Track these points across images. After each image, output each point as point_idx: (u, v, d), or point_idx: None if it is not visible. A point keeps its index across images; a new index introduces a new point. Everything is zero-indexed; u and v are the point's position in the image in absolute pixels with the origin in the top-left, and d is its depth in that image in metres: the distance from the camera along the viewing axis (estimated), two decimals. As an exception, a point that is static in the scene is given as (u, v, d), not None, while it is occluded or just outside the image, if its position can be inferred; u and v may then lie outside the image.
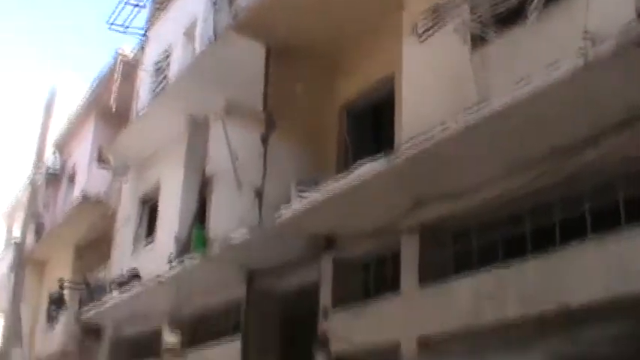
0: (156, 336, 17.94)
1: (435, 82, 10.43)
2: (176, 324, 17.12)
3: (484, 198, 9.37)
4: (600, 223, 8.15)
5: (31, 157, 32.86)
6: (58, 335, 24.44)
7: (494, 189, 9.20)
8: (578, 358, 7.91)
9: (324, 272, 12.25)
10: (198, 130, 17.17)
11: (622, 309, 7.63)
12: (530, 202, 9.07)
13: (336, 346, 11.63)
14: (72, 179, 27.98)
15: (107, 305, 19.30)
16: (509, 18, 9.39)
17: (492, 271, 9.20)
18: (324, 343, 11.74)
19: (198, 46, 18.62)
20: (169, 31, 21.38)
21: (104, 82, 24.86)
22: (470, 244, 9.96)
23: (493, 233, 9.62)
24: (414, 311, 10.14)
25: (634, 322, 7.51)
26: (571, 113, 7.86)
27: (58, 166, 29.93)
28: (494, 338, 8.99)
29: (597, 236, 8.05)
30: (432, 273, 10.18)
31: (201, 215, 16.39)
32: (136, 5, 22.98)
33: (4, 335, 31.75)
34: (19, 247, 30.18)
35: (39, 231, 29.06)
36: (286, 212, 11.43)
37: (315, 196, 10.84)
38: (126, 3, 22.95)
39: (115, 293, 19.03)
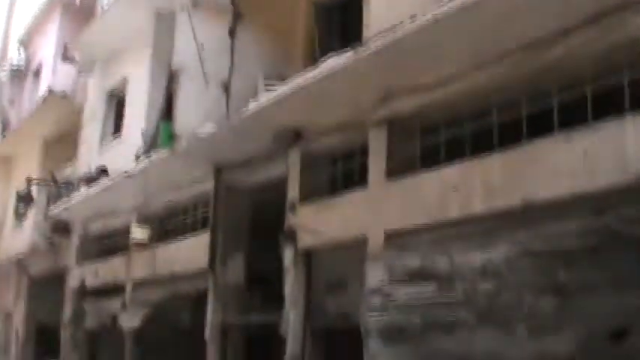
0: (125, 232, 17.99)
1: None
2: (144, 219, 17.16)
3: (452, 92, 9.32)
4: (567, 119, 8.14)
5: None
6: (27, 233, 24.41)
7: (462, 83, 9.15)
8: (543, 252, 7.98)
9: (292, 166, 12.24)
10: (164, 24, 16.86)
11: (586, 204, 7.69)
12: (498, 97, 9.04)
13: (303, 240, 11.74)
14: (37, 75, 27.52)
15: (75, 201, 19.28)
16: None
17: (459, 165, 9.23)
18: (292, 237, 11.83)
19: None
20: None
21: (68, -24, 24.29)
22: (437, 138, 9.94)
23: (460, 127, 9.60)
24: (381, 205, 10.18)
25: (598, 217, 7.56)
26: (541, 7, 7.78)
27: (23, 62, 29.43)
28: (460, 231, 9.06)
29: (564, 132, 8.04)
30: (399, 167, 10.19)
31: (168, 110, 16.24)
32: None
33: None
34: (-15, 144, 29.90)
35: (5, 127, 28.76)
36: (253, 105, 11.34)
37: (282, 89, 10.74)
38: None
39: (83, 189, 19.01)
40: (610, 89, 7.85)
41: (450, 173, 9.29)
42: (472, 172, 8.98)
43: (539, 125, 8.43)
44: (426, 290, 9.22)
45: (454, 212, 9.16)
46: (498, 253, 8.44)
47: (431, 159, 9.86)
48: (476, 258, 8.68)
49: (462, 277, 8.81)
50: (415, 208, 9.64)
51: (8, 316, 27.79)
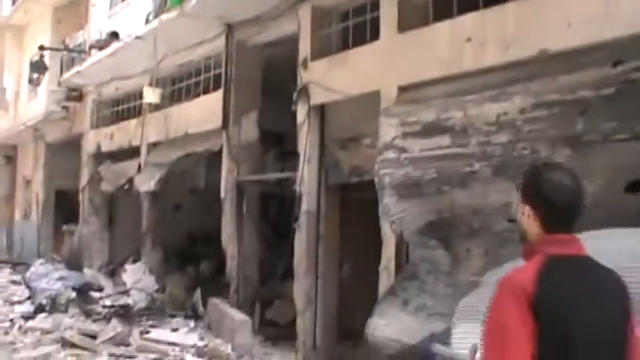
0: (138, 95, 17.99)
1: None
2: (157, 82, 17.09)
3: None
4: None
5: None
6: (41, 101, 24.45)
7: None
8: (558, 102, 7.84)
9: (303, 22, 12.05)
10: None
11: (603, 53, 7.50)
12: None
13: (316, 96, 11.66)
14: (45, -59, 26.98)
15: (88, 64, 19.22)
16: None
17: (472, 15, 8.99)
18: (305, 93, 11.76)
19: None
20: None
21: None
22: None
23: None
24: (394, 58, 10.02)
25: (615, 66, 7.40)
26: None
27: None
28: (474, 83, 8.91)
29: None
30: (411, 19, 9.97)
31: (176, -30, 15.92)
32: None
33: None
34: (-4, 13, 29.72)
35: (15, -4, 28.44)
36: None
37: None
38: None
39: (95, 54, 18.95)
40: None
41: (464, 24, 9.06)
42: (486, 23, 8.77)
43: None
44: (441, 144, 9.13)
45: (468, 64, 8.99)
46: (513, 104, 8.29)
47: (443, 10, 9.61)
48: (490, 110, 8.54)
49: (476, 129, 8.68)
50: (428, 60, 9.47)
51: (28, 183, 28.21)
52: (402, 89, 9.90)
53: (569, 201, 3.13)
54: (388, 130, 9.81)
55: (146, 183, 17.04)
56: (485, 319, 3.10)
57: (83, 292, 15.75)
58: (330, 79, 11.27)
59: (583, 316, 2.98)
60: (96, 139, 21.11)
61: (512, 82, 8.38)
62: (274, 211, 16.32)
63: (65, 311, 14.78)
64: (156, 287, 16.02)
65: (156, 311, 14.89)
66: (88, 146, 21.61)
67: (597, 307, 3.03)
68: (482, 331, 3.13)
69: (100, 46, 18.82)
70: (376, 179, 9.72)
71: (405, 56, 9.83)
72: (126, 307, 14.74)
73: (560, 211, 3.13)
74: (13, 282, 20.26)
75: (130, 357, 11.53)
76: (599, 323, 3.01)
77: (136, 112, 18.78)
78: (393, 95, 9.97)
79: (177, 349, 11.78)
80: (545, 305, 2.94)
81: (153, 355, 11.49)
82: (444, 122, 9.09)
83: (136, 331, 12.89)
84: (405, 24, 9.98)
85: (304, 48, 11.97)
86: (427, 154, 9.24)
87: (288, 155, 13.06)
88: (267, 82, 14.37)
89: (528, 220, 3.20)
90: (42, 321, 14.15)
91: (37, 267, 19.22)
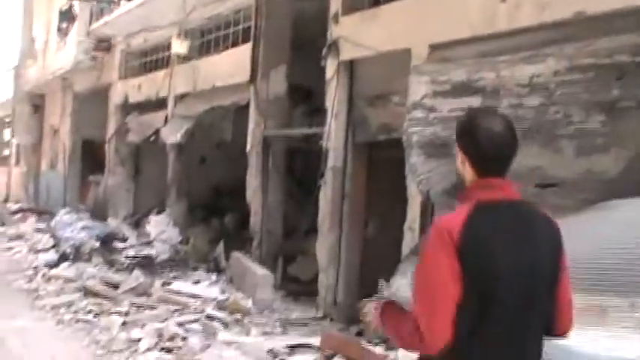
0: (167, 47, 17.95)
1: None
2: (186, 34, 17.01)
3: None
4: None
5: None
6: (70, 50, 24.41)
7: None
8: (593, 67, 7.69)
9: (335, -25, 11.91)
10: None
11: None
12: None
13: (345, 52, 11.54)
14: None
15: (117, 15, 19.16)
16: None
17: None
18: (334, 49, 11.63)
19: None
20: None
21: None
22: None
23: None
24: (426, 16, 9.87)
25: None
26: None
27: None
28: (507, 44, 8.76)
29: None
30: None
31: None
32: None
33: (20, 52, 32.18)
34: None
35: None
36: None
37: None
38: None
39: (124, 4, 18.88)
40: None
41: (499, -16, 8.90)
42: (522, -17, 8.60)
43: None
44: (471, 104, 8.96)
45: (502, 24, 8.81)
46: (547, 66, 8.14)
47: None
48: (523, 72, 8.39)
49: (508, 91, 8.55)
50: (461, 19, 9.29)
51: (55, 133, 28.32)
52: (434, 47, 9.75)
53: (500, 148, 3.16)
54: (418, 88, 9.69)
55: (172, 135, 17.04)
56: (418, 261, 3.15)
57: (107, 241, 15.85)
58: (361, 34, 11.12)
59: (507, 262, 3.03)
60: (123, 90, 21.14)
61: (546, 44, 8.23)
62: (300, 167, 16.30)
63: (88, 260, 14.88)
64: (179, 239, 16.09)
65: (179, 263, 14.95)
66: (116, 97, 21.66)
67: (523, 252, 3.08)
68: (414, 273, 3.19)
69: (131, -5, 18.77)
70: (404, 138, 9.61)
71: (438, 14, 9.67)
72: (149, 258, 14.81)
73: (492, 158, 3.16)
74: (38, 230, 20.40)
75: (151, 307, 11.57)
76: (524, 269, 3.07)
77: (164, 63, 18.74)
78: (424, 53, 9.83)
79: (198, 301, 11.78)
80: (469, 252, 2.99)
81: (174, 307, 11.50)
82: (475, 83, 8.96)
83: (157, 282, 12.92)
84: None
85: (335, 2, 11.81)
86: (456, 114, 9.08)
87: (317, 112, 12.96)
88: (297, 37, 14.20)
89: (463, 166, 3.22)
90: (65, 269, 14.25)
91: (62, 216, 19.35)
